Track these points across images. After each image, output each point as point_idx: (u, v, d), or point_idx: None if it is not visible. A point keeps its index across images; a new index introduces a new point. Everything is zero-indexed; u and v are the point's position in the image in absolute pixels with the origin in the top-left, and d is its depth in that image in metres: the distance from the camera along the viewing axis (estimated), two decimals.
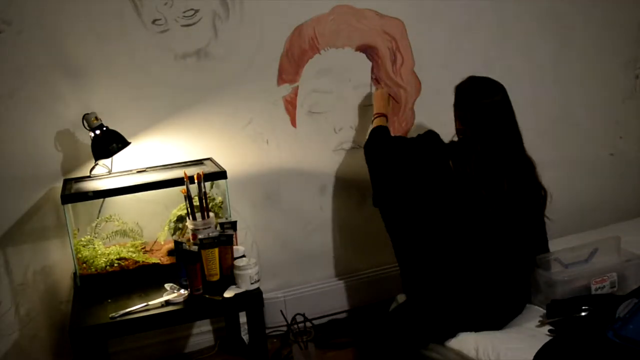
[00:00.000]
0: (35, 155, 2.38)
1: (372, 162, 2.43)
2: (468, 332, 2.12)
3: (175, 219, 2.40)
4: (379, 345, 2.22)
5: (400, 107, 2.85)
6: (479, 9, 2.89)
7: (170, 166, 2.51)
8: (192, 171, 2.28)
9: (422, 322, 2.17)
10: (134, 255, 2.31)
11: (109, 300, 2.13)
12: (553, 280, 2.19)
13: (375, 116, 2.58)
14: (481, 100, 2.17)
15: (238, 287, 2.13)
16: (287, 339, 2.71)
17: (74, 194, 2.21)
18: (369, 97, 2.77)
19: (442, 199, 2.17)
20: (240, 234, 2.54)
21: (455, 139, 2.31)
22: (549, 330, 2.05)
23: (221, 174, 2.33)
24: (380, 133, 2.46)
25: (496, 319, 2.13)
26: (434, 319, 2.16)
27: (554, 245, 2.51)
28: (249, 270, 2.12)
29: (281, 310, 2.79)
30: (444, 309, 2.15)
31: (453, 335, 2.13)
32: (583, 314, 2.04)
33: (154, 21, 2.43)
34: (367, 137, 2.52)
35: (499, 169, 2.14)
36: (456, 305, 2.14)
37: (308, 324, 2.65)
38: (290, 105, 2.70)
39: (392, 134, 2.87)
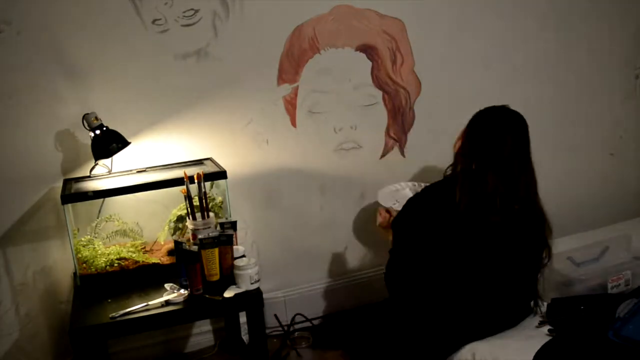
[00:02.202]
0: (35, 156, 2.38)
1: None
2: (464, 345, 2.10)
3: (175, 219, 2.40)
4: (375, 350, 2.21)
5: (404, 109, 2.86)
6: (478, 9, 2.89)
7: (170, 166, 2.51)
8: (192, 171, 2.28)
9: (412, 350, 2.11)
10: (134, 255, 2.31)
11: (109, 300, 2.12)
12: (570, 279, 2.19)
13: None
14: (501, 131, 2.04)
15: (238, 287, 2.13)
16: (286, 343, 2.72)
17: (74, 194, 2.21)
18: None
19: (447, 237, 2.06)
20: (240, 234, 2.54)
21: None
22: (549, 330, 2.05)
23: (221, 174, 2.33)
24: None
25: (491, 330, 2.11)
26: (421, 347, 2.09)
27: (557, 244, 2.51)
28: (249, 270, 2.12)
29: (275, 315, 2.79)
30: (432, 334, 2.09)
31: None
32: (583, 314, 2.04)
33: (154, 21, 2.43)
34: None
35: (502, 201, 2.00)
36: (447, 329, 2.08)
37: (306, 330, 2.65)
38: (290, 105, 2.70)
39: (391, 135, 2.89)
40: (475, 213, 2.00)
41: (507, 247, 2.04)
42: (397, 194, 2.71)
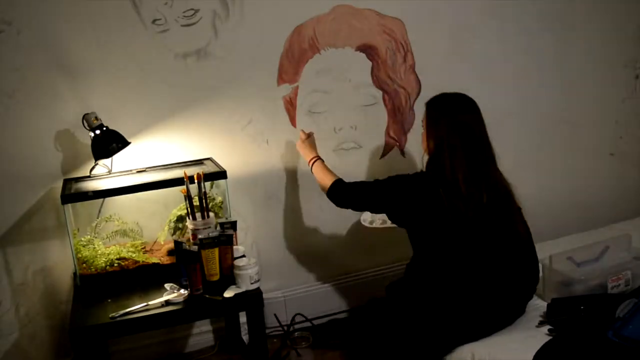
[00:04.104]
0: (35, 156, 2.38)
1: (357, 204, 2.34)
2: (462, 345, 2.10)
3: (175, 218, 2.40)
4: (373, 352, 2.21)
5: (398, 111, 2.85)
6: (479, 9, 2.89)
7: (170, 166, 2.51)
8: (192, 171, 2.28)
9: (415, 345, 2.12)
10: (134, 255, 2.31)
11: (109, 300, 2.12)
12: (570, 279, 2.19)
13: (313, 160, 2.48)
14: (458, 116, 2.10)
15: (238, 287, 2.13)
16: (286, 343, 2.72)
17: (74, 194, 2.21)
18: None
19: (438, 226, 2.09)
20: (240, 234, 2.54)
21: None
22: (549, 330, 2.05)
23: (221, 174, 2.33)
24: (349, 186, 2.33)
25: (486, 330, 2.11)
26: (426, 340, 2.11)
27: (558, 244, 2.51)
28: (249, 270, 2.12)
29: (275, 314, 2.80)
30: (435, 328, 2.10)
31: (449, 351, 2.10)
32: (583, 314, 2.04)
33: (154, 21, 2.43)
34: (327, 189, 2.36)
35: (478, 184, 2.06)
36: (450, 320, 2.09)
37: (306, 330, 2.65)
38: (290, 105, 2.70)
39: (391, 135, 2.89)
40: (449, 201, 2.04)
41: (485, 222, 2.07)
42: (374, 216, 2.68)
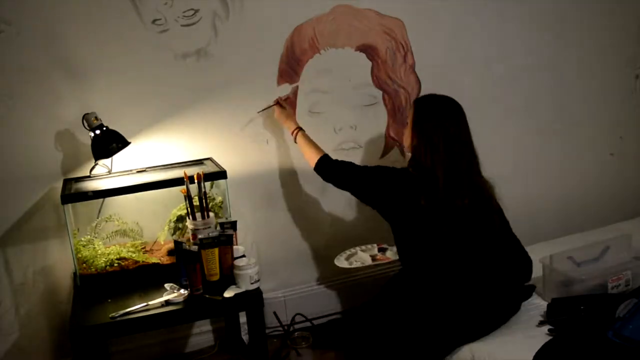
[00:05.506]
0: (35, 156, 2.38)
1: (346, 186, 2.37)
2: (460, 346, 2.10)
3: (175, 218, 2.40)
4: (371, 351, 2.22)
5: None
6: (479, 9, 2.89)
7: (170, 166, 2.51)
8: (192, 171, 2.28)
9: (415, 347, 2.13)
10: (134, 255, 2.31)
11: (109, 300, 2.13)
12: (570, 279, 2.19)
13: (296, 132, 2.51)
14: (443, 120, 2.12)
15: (238, 287, 2.13)
16: (286, 343, 2.72)
17: (74, 194, 2.21)
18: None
19: (417, 225, 2.14)
20: (240, 234, 2.54)
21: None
22: (549, 330, 2.05)
23: (221, 174, 2.33)
24: (337, 164, 2.38)
25: (480, 329, 2.11)
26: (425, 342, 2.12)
27: (558, 244, 2.50)
28: (249, 270, 2.13)
29: (275, 314, 2.80)
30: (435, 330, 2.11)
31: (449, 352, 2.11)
32: (583, 314, 2.04)
33: (154, 21, 2.43)
34: (314, 164, 2.41)
35: (458, 187, 2.10)
36: (444, 320, 2.10)
37: (306, 330, 2.65)
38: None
39: (391, 135, 2.89)
40: (432, 201, 2.08)
41: (465, 223, 2.10)
42: (352, 257, 2.72)
